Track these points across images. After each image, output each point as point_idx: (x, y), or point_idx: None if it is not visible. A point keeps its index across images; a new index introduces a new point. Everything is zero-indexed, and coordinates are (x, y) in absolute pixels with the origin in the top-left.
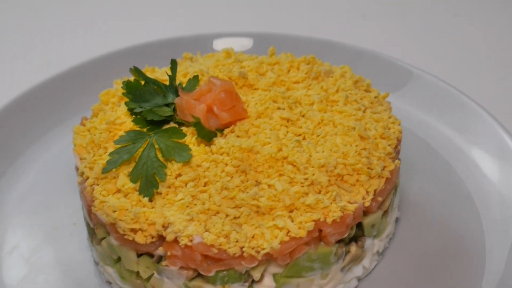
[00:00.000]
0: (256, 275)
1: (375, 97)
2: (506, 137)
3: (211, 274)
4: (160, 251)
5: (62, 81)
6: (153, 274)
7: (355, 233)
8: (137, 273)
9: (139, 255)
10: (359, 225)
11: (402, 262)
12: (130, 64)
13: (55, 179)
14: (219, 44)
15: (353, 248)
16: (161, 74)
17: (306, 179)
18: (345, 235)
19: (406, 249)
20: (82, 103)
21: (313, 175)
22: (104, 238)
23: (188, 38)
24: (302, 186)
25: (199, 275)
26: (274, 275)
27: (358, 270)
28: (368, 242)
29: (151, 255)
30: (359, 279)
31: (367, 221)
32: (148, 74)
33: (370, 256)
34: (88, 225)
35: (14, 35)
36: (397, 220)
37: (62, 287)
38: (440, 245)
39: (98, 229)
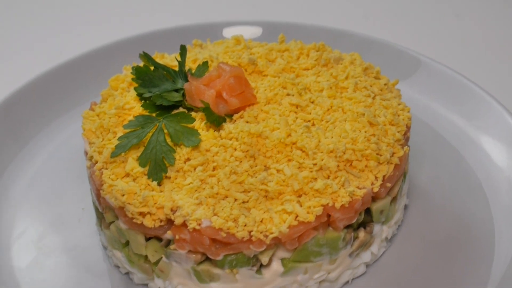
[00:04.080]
0: (264, 259)
1: (385, 84)
2: None
3: (219, 258)
4: (168, 235)
5: (72, 67)
6: (161, 258)
7: (364, 219)
8: (146, 257)
9: (148, 239)
10: (368, 211)
11: (410, 249)
12: (139, 51)
13: (64, 164)
14: (229, 33)
15: (362, 233)
16: (170, 60)
17: (315, 164)
18: (354, 221)
19: (415, 236)
20: (92, 89)
21: (322, 160)
22: (112, 222)
23: (197, 26)
24: (311, 171)
25: (207, 259)
26: (282, 259)
27: (366, 256)
28: (376, 228)
29: (159, 239)
30: (367, 265)
31: (375, 207)
32: (158, 61)
33: (379, 242)
34: (96, 209)
35: (27, 23)
36: (406, 207)
37: (70, 271)
38: (449, 232)
39: (107, 213)
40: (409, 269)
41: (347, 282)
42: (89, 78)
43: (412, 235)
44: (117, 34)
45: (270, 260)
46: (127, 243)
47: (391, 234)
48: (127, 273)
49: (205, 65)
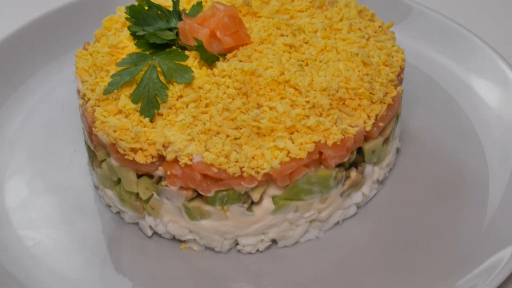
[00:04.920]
0: (255, 196)
1: (379, 27)
2: (504, 66)
3: (211, 194)
4: (160, 171)
5: (67, 11)
6: (152, 195)
7: (356, 158)
8: (137, 194)
9: (139, 176)
10: (360, 151)
11: (402, 191)
12: None
13: (57, 106)
14: None
15: (353, 173)
16: (164, 1)
17: (307, 102)
18: (345, 159)
19: (407, 179)
20: (87, 33)
21: (315, 98)
22: (104, 160)
23: None
24: (304, 109)
25: (198, 196)
26: (273, 197)
27: (357, 197)
28: (368, 168)
29: (151, 176)
30: (358, 206)
31: (367, 146)
32: (154, 1)
33: (370, 184)
34: (88, 148)
35: None
36: (398, 150)
37: (61, 211)
38: (442, 175)
39: (99, 151)
40: (400, 211)
41: (338, 223)
42: (84, 21)
43: (404, 178)
44: None
45: (261, 198)
46: (119, 181)
47: (382, 176)
48: (118, 213)
49: (199, 5)
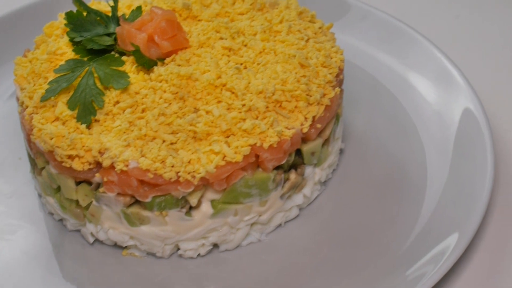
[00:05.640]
0: (193, 200)
1: (319, 28)
2: (446, 62)
3: (148, 200)
4: (97, 177)
5: (10, 20)
6: (91, 202)
7: (295, 160)
8: (77, 201)
9: (78, 183)
10: (299, 153)
11: (344, 192)
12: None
13: (0, 115)
14: None
15: (293, 175)
16: (105, 6)
17: (243, 105)
18: (283, 161)
19: (350, 179)
20: (31, 41)
21: (251, 101)
22: (44, 168)
23: None
24: (240, 112)
25: (136, 202)
26: (212, 201)
27: (298, 199)
28: (308, 170)
29: (89, 183)
30: (300, 208)
31: (306, 148)
32: (95, 7)
33: (311, 185)
34: (29, 156)
35: None
36: (341, 151)
37: (6, 219)
38: (384, 175)
39: (38, 158)
40: (343, 211)
41: (280, 225)
42: (28, 29)
43: (347, 179)
44: None
45: (200, 202)
46: (59, 189)
47: (324, 177)
48: (61, 220)
49: (138, 10)
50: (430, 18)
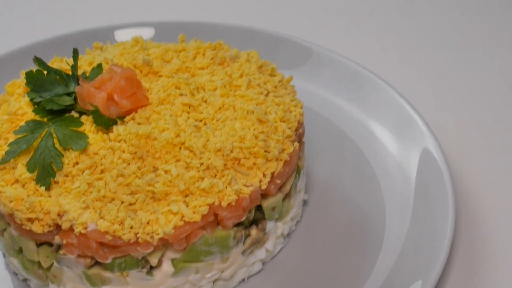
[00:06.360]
0: (153, 260)
1: (279, 81)
2: (404, 104)
3: (108, 261)
4: (57, 239)
5: None
6: (53, 263)
7: (256, 216)
8: (39, 263)
9: (39, 245)
10: (260, 208)
11: (307, 245)
12: (44, 56)
13: None
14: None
15: (254, 231)
16: (66, 64)
17: (202, 163)
18: (243, 219)
19: (313, 231)
20: None
21: (209, 159)
22: (5, 229)
23: (100, 30)
24: (198, 171)
25: (97, 263)
26: (172, 260)
27: (261, 253)
28: (269, 225)
29: (50, 244)
30: (263, 262)
31: (266, 204)
32: (56, 65)
33: (274, 239)
34: None
35: None
36: (305, 202)
37: None
38: (347, 225)
39: (0, 220)
40: (307, 263)
41: (243, 280)
42: None
43: (310, 231)
44: (21, 39)
45: (160, 261)
46: (21, 250)
47: (287, 230)
48: (25, 280)
49: (99, 67)
50: (388, 60)
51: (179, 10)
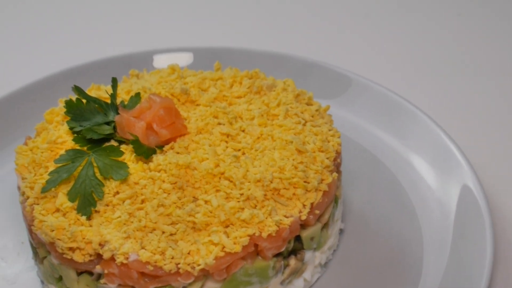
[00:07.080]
0: None
1: (316, 110)
2: (443, 137)
3: None
4: (98, 269)
5: (9, 102)
6: None
7: (295, 246)
8: None
9: (79, 274)
10: (298, 238)
11: (345, 274)
12: (80, 82)
13: (3, 199)
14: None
15: (292, 261)
16: (104, 92)
17: (242, 194)
18: (283, 249)
19: (350, 260)
20: (30, 124)
21: (249, 190)
22: (45, 257)
23: (136, 55)
24: (238, 201)
25: None
26: None
27: (299, 283)
28: (308, 254)
29: (90, 273)
30: None
31: (305, 234)
32: (94, 92)
33: (312, 269)
34: (31, 244)
35: None
36: (341, 231)
37: None
38: (383, 256)
39: (40, 248)
40: None
41: None
42: (27, 112)
43: (347, 260)
44: (54, 65)
45: None
46: (61, 278)
47: (325, 259)
48: None
49: (137, 96)
50: (430, 92)
51: (205, 36)
